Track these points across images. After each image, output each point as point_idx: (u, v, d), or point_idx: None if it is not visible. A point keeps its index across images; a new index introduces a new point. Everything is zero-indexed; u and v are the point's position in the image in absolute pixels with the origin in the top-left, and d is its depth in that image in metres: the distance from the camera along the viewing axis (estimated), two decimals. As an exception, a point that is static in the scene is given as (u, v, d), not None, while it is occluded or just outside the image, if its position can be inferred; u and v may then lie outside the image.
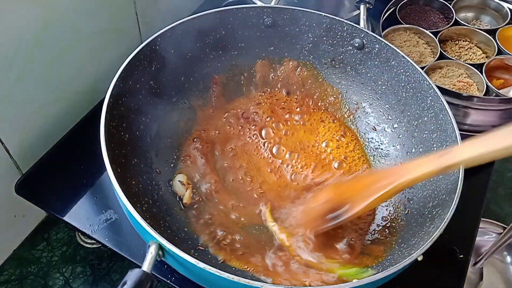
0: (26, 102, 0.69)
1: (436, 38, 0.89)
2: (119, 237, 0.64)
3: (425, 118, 0.69)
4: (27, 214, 0.77)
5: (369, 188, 0.57)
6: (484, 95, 0.79)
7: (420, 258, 0.51)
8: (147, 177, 0.64)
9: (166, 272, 0.61)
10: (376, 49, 0.74)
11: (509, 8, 0.95)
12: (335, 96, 0.81)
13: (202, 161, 0.71)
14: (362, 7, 0.83)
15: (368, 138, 0.77)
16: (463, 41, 0.92)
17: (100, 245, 0.64)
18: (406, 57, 0.70)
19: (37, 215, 0.80)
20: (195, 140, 0.74)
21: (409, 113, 0.72)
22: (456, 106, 0.76)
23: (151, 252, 0.48)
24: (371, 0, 0.83)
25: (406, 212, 0.65)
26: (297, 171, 0.72)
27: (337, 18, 0.75)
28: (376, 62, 0.75)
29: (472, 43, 0.92)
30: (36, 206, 0.68)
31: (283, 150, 0.74)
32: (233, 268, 0.60)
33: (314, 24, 0.77)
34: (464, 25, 0.92)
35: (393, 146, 0.74)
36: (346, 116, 0.80)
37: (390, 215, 0.67)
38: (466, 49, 0.91)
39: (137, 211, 0.50)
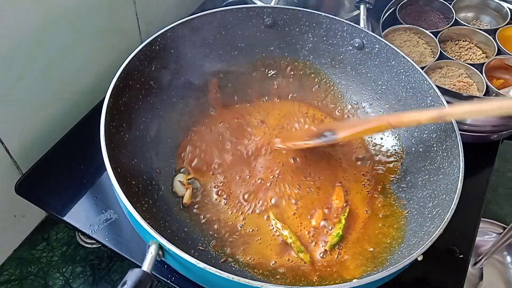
0: (26, 102, 0.69)
1: (436, 38, 0.89)
2: (119, 237, 0.64)
3: (425, 118, 0.69)
4: (27, 214, 0.77)
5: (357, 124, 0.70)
6: (484, 95, 0.79)
7: (420, 258, 0.51)
8: (147, 177, 0.64)
9: (166, 272, 0.61)
10: (376, 49, 0.74)
11: (509, 8, 0.95)
12: (335, 95, 0.81)
13: (202, 160, 0.71)
14: (362, 7, 0.83)
15: (368, 138, 0.77)
16: (463, 41, 0.92)
17: (100, 245, 0.64)
18: (406, 57, 0.70)
19: (37, 215, 0.80)
20: (195, 140, 0.74)
21: (409, 113, 0.72)
22: (456, 106, 0.76)
23: (151, 252, 0.48)
24: (371, 0, 0.83)
25: (406, 212, 0.65)
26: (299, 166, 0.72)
27: (337, 18, 0.75)
28: (376, 62, 0.75)
29: (472, 43, 0.91)
30: (36, 206, 0.68)
31: (286, 150, 0.74)
32: (234, 268, 0.60)
33: (314, 24, 0.77)
34: (464, 25, 0.92)
35: (393, 146, 0.74)
36: (346, 116, 0.80)
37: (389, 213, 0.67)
38: (466, 49, 0.90)
39: (137, 211, 0.50)
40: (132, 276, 0.45)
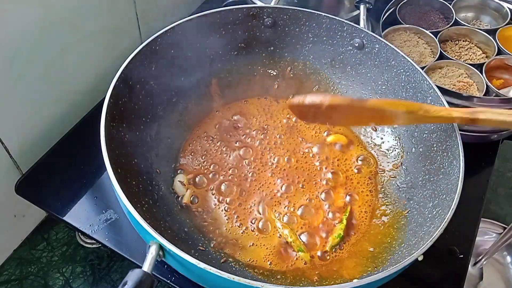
0: (26, 102, 0.69)
1: (436, 38, 0.89)
2: (119, 237, 0.64)
3: (425, 118, 0.69)
4: (27, 214, 0.77)
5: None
6: (484, 95, 0.79)
7: (420, 258, 0.51)
8: (147, 177, 0.64)
9: (166, 272, 0.61)
10: (376, 49, 0.74)
11: (509, 8, 0.95)
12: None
13: (202, 161, 0.72)
14: (362, 7, 0.83)
15: (368, 138, 0.77)
16: (463, 41, 0.92)
17: (100, 245, 0.64)
18: (406, 57, 0.70)
19: (37, 215, 0.80)
20: (195, 140, 0.74)
21: (409, 113, 0.72)
22: (456, 106, 0.76)
23: (152, 252, 0.48)
24: (371, 0, 0.83)
25: (406, 212, 0.65)
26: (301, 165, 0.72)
27: (337, 18, 0.75)
28: (376, 62, 0.75)
29: (472, 43, 0.91)
30: (36, 206, 0.68)
31: (283, 151, 0.74)
32: (234, 268, 0.60)
33: (314, 24, 0.77)
34: (464, 25, 0.92)
35: (393, 146, 0.74)
36: (346, 116, 0.80)
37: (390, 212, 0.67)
38: (466, 49, 0.90)
39: (137, 211, 0.50)
40: (132, 277, 0.45)
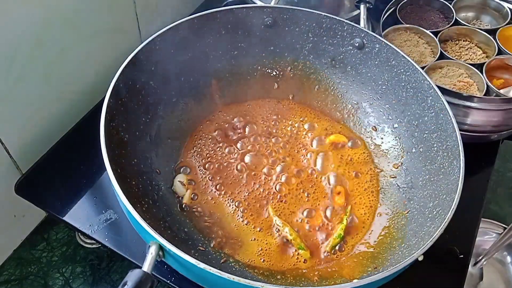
0: (26, 102, 0.69)
1: (436, 38, 0.88)
2: (119, 237, 0.64)
3: (425, 118, 0.69)
4: (27, 214, 0.77)
5: None
6: (484, 95, 0.79)
7: (420, 258, 0.51)
8: (147, 177, 0.64)
9: (166, 272, 0.61)
10: (376, 49, 0.74)
11: (509, 8, 0.95)
12: (335, 95, 0.81)
13: (202, 161, 0.72)
14: (362, 7, 0.83)
15: (368, 138, 0.77)
16: (463, 41, 0.92)
17: (100, 245, 0.64)
18: (407, 57, 0.70)
19: (37, 215, 0.80)
20: (195, 140, 0.74)
21: (409, 113, 0.72)
22: (456, 106, 0.76)
23: (151, 252, 0.48)
24: (371, 0, 0.83)
25: (406, 212, 0.65)
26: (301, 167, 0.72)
27: (337, 18, 0.75)
28: (376, 62, 0.75)
29: (472, 43, 0.91)
30: (36, 206, 0.68)
31: (283, 151, 0.74)
32: (234, 268, 0.60)
33: (314, 24, 0.77)
34: (464, 25, 0.92)
35: (393, 146, 0.74)
36: (346, 116, 0.80)
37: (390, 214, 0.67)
38: (466, 49, 0.90)
39: (137, 212, 0.50)
40: (132, 277, 0.45)
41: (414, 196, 0.66)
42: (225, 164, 0.72)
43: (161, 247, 0.48)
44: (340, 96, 0.80)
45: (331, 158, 0.74)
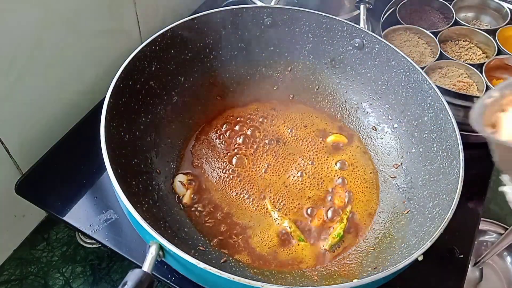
0: (26, 102, 0.69)
1: (436, 38, 0.89)
2: (119, 237, 0.64)
3: (425, 118, 0.69)
4: (27, 214, 0.77)
5: None
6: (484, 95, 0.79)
7: (420, 258, 0.51)
8: (147, 177, 0.64)
9: (166, 272, 0.61)
10: (376, 49, 0.74)
11: (509, 8, 0.95)
12: (335, 95, 0.81)
13: (202, 161, 0.72)
14: (362, 7, 0.83)
15: (368, 138, 0.77)
16: (463, 41, 0.92)
17: (100, 245, 0.64)
18: (406, 57, 0.70)
19: (37, 215, 0.80)
20: (195, 139, 0.74)
21: (409, 113, 0.72)
22: (456, 106, 0.76)
23: (152, 252, 0.48)
24: (371, 0, 0.83)
25: (406, 212, 0.65)
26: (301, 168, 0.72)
27: (337, 18, 0.75)
28: (376, 62, 0.75)
29: (472, 43, 0.91)
30: (36, 206, 0.68)
31: (283, 151, 0.74)
32: (234, 268, 0.60)
33: (314, 24, 0.77)
34: (464, 25, 0.92)
35: (393, 146, 0.74)
36: (346, 116, 0.80)
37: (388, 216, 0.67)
38: (466, 49, 0.90)
39: (137, 211, 0.50)
40: (132, 277, 0.45)
41: (414, 196, 0.66)
42: (225, 163, 0.72)
43: (161, 247, 0.48)
44: (340, 96, 0.80)
45: (330, 158, 0.74)
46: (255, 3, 0.95)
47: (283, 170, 0.72)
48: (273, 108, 0.80)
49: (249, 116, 0.79)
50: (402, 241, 0.61)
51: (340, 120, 0.80)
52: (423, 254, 0.51)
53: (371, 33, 0.74)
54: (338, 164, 0.73)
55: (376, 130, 0.77)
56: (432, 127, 0.67)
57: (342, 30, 0.76)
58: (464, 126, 0.77)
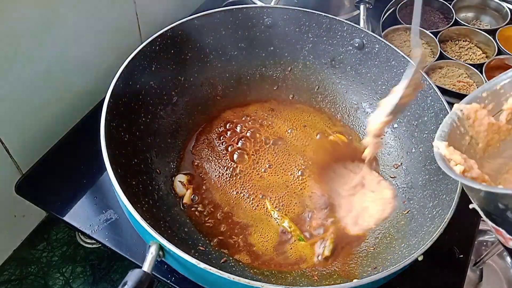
0: (26, 102, 0.69)
1: (436, 38, 0.89)
2: (119, 237, 0.64)
3: (425, 118, 0.69)
4: (27, 214, 0.77)
5: None
6: (484, 95, 0.79)
7: (420, 258, 0.51)
8: (147, 177, 0.64)
9: (166, 272, 0.61)
10: (376, 49, 0.74)
11: (509, 8, 0.95)
12: (335, 95, 0.81)
13: (202, 161, 0.72)
14: (362, 7, 0.83)
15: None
16: (463, 41, 0.92)
17: (100, 245, 0.64)
18: (406, 57, 0.70)
19: (37, 215, 0.80)
20: (195, 140, 0.74)
21: (409, 113, 0.72)
22: (456, 106, 0.76)
23: (152, 252, 0.48)
24: (371, 0, 0.83)
25: (406, 212, 0.65)
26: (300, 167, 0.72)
27: (337, 18, 0.75)
28: (376, 62, 0.75)
29: (472, 43, 0.92)
30: (36, 206, 0.68)
31: (285, 149, 0.74)
32: (234, 268, 0.60)
33: (314, 24, 0.77)
34: (464, 25, 0.92)
35: (393, 146, 0.74)
36: (346, 116, 0.80)
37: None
38: (466, 49, 0.91)
39: (137, 211, 0.50)
40: (132, 277, 0.45)
41: (414, 196, 0.66)
42: (225, 163, 0.72)
43: (161, 247, 0.48)
44: (340, 96, 0.80)
45: (330, 158, 0.74)
46: (255, 3, 0.95)
47: (283, 169, 0.72)
48: (273, 108, 0.80)
49: (249, 116, 0.79)
50: (402, 241, 0.61)
51: (340, 120, 0.80)
52: (423, 254, 0.51)
53: (371, 33, 0.74)
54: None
55: (376, 130, 0.77)
56: (432, 127, 0.67)
57: (342, 30, 0.76)
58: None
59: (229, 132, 0.76)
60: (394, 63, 0.72)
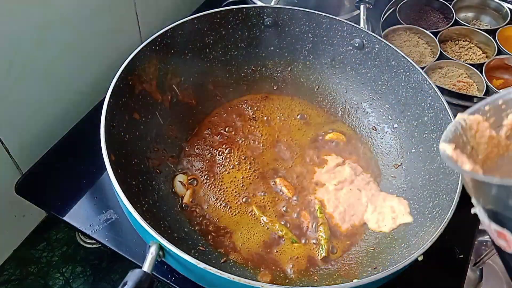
0: (26, 102, 0.69)
1: (436, 38, 0.89)
2: (119, 237, 0.64)
3: (425, 118, 0.69)
4: (27, 214, 0.77)
5: None
6: (484, 95, 0.79)
7: (420, 258, 0.51)
8: (147, 177, 0.64)
9: (166, 272, 0.61)
10: (376, 49, 0.74)
11: (509, 8, 0.95)
12: (335, 95, 0.81)
13: (202, 161, 0.71)
14: (362, 7, 0.83)
15: (368, 138, 0.77)
16: (463, 41, 0.92)
17: (100, 245, 0.64)
18: (406, 57, 0.70)
19: (37, 215, 0.80)
20: (195, 140, 0.74)
21: (409, 113, 0.72)
22: (456, 106, 0.76)
23: (152, 252, 0.48)
24: (371, 0, 0.83)
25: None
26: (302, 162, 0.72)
27: (337, 18, 0.75)
28: (376, 62, 0.75)
29: (472, 43, 0.92)
30: (36, 206, 0.68)
31: (284, 149, 0.74)
32: (234, 268, 0.60)
33: (314, 24, 0.77)
34: (464, 25, 0.92)
35: (393, 146, 0.74)
36: (346, 116, 0.80)
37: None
38: (466, 49, 0.91)
39: (137, 211, 0.50)
40: (132, 277, 0.45)
41: (413, 196, 0.66)
42: (225, 163, 0.72)
43: (161, 247, 0.48)
44: (340, 96, 0.80)
45: (329, 157, 0.74)
46: (255, 3, 0.95)
47: (283, 169, 0.72)
48: (273, 108, 0.80)
49: (249, 116, 0.78)
50: (402, 241, 0.61)
51: (340, 120, 0.80)
52: (423, 254, 0.51)
53: (371, 33, 0.74)
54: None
55: (376, 130, 0.77)
56: (432, 127, 0.67)
57: (342, 30, 0.76)
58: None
59: (229, 132, 0.76)
60: (394, 63, 0.72)
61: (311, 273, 0.61)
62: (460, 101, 0.76)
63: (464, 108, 0.75)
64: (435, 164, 0.65)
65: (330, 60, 0.79)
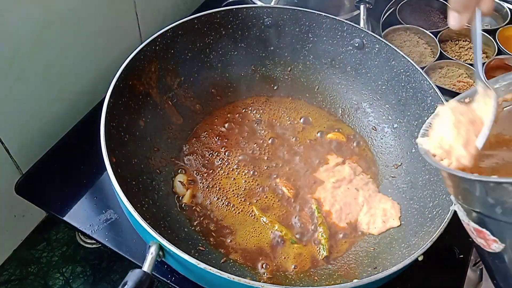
0: (26, 102, 0.69)
1: (436, 38, 0.89)
2: (119, 237, 0.64)
3: (425, 118, 0.68)
4: (27, 214, 0.77)
5: None
6: (484, 95, 0.79)
7: (420, 258, 0.51)
8: (147, 177, 0.64)
9: (166, 272, 0.61)
10: (376, 49, 0.74)
11: (509, 8, 0.95)
12: (335, 95, 0.81)
13: (202, 161, 0.71)
14: (362, 7, 0.83)
15: (368, 138, 0.77)
16: (463, 41, 0.92)
17: (100, 245, 0.64)
18: (406, 57, 0.70)
19: (37, 215, 0.80)
20: (195, 140, 0.74)
21: (409, 113, 0.72)
22: (456, 106, 0.76)
23: (152, 252, 0.48)
24: (371, 0, 0.83)
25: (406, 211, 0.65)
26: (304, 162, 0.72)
27: (337, 18, 0.75)
28: (376, 62, 0.75)
29: (472, 43, 0.91)
30: (36, 206, 0.68)
31: (284, 149, 0.74)
32: (234, 268, 0.60)
33: (314, 24, 0.77)
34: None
35: (393, 146, 0.74)
36: (346, 116, 0.80)
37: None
38: (466, 49, 0.91)
39: (137, 212, 0.50)
40: (132, 277, 0.45)
41: (414, 196, 0.66)
42: (225, 164, 0.72)
43: (161, 247, 0.48)
44: (340, 96, 0.80)
45: (329, 157, 0.74)
46: (255, 3, 0.95)
47: (283, 170, 0.72)
48: (273, 108, 0.80)
49: (248, 116, 0.79)
50: (402, 241, 0.61)
51: (340, 120, 0.80)
52: (423, 254, 0.51)
53: (371, 33, 0.74)
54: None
55: (376, 130, 0.77)
56: (432, 127, 0.67)
57: (342, 30, 0.76)
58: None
59: (229, 132, 0.76)
60: (394, 63, 0.72)
61: (311, 273, 0.61)
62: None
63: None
64: (435, 164, 0.65)
65: (330, 60, 0.79)
